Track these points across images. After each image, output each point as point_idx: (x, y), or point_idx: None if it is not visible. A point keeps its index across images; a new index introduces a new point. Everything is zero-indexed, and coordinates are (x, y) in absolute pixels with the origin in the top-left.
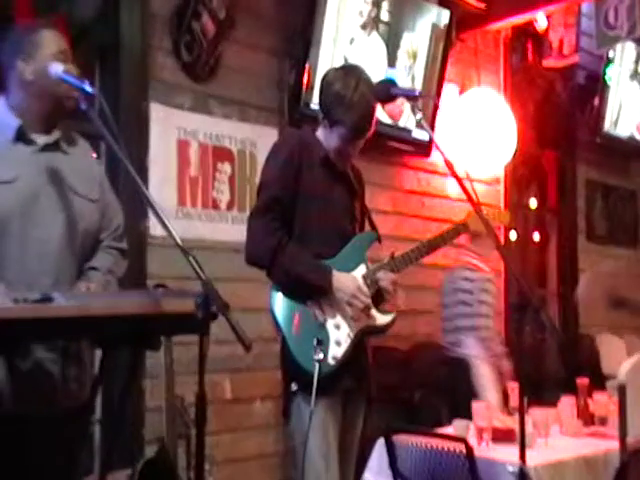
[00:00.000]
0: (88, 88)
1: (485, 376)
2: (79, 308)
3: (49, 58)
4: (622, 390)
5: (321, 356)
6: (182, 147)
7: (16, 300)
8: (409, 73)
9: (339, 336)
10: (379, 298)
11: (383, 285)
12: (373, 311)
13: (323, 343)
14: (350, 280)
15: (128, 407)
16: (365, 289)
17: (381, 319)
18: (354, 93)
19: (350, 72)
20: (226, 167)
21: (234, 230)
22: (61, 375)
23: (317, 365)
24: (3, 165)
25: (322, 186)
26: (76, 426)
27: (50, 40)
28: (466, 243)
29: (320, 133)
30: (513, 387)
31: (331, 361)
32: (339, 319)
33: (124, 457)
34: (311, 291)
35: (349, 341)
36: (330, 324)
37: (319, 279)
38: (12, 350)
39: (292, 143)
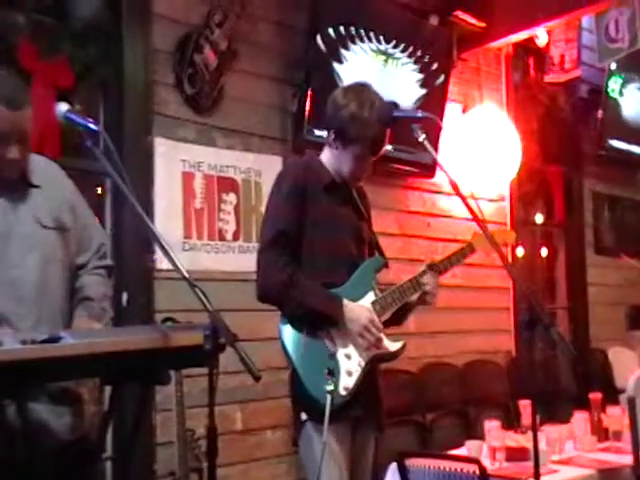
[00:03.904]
0: (93, 126)
1: None
2: (88, 346)
3: None
4: (631, 403)
5: (332, 387)
6: (187, 179)
7: (24, 341)
8: None
9: (350, 366)
10: (403, 310)
11: (429, 289)
12: (384, 339)
13: (334, 373)
14: (362, 310)
15: (139, 442)
16: (377, 319)
17: (391, 346)
18: (371, 110)
19: (362, 91)
20: (231, 197)
21: (241, 260)
22: (52, 410)
23: (329, 396)
24: None
25: (329, 212)
26: (84, 463)
27: None
28: None
29: (326, 157)
30: (525, 405)
31: (342, 392)
32: (350, 349)
33: None
34: (323, 322)
35: (360, 370)
36: (341, 354)
37: (331, 311)
38: (23, 393)
39: (296, 171)
